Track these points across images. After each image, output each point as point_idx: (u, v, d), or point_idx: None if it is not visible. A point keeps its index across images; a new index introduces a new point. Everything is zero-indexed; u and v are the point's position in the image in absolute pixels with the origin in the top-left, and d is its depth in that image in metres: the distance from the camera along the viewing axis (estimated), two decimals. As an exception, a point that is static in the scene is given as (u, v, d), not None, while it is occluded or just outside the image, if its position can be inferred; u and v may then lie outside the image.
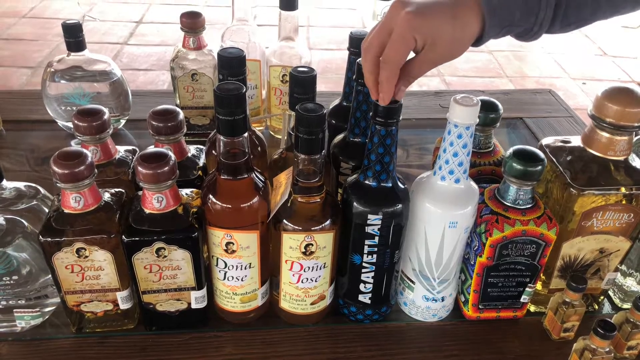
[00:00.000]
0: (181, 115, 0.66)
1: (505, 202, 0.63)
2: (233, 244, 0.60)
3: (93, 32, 2.73)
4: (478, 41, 0.55)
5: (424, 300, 0.68)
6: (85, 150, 0.57)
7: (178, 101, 0.96)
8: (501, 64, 2.72)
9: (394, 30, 0.52)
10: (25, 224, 0.62)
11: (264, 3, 2.21)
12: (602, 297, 0.73)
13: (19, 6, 3.01)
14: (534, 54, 2.85)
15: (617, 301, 0.74)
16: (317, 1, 3.26)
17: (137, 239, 0.58)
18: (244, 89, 0.54)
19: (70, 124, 0.96)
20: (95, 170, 0.57)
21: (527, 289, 0.67)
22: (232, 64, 0.66)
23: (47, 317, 0.67)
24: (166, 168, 0.56)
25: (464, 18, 0.52)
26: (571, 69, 2.73)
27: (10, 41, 2.65)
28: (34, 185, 0.66)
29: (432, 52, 0.53)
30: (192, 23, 0.90)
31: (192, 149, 0.70)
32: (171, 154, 0.57)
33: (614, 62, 2.81)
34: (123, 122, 1.01)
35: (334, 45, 2.78)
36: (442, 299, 0.68)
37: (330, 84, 2.34)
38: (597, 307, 0.73)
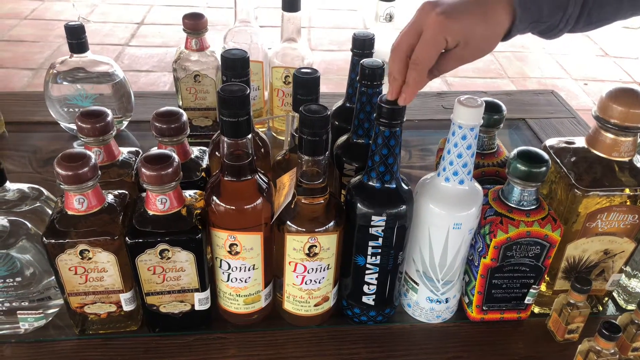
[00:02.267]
0: (184, 117, 0.66)
1: (510, 204, 0.62)
2: (237, 245, 0.60)
3: (95, 33, 2.73)
4: (505, 36, 0.55)
5: (428, 301, 0.68)
6: (88, 152, 0.57)
7: (180, 102, 0.96)
8: (502, 64, 2.72)
9: (425, 32, 0.52)
10: (29, 225, 0.62)
11: (266, 4, 2.21)
12: (606, 299, 0.73)
13: (20, 8, 3.01)
14: (535, 55, 2.85)
15: (621, 302, 0.74)
16: (319, 2, 3.26)
17: (140, 240, 0.58)
18: (248, 91, 0.54)
19: (72, 125, 0.97)
20: (99, 172, 0.57)
21: (531, 290, 0.67)
22: (236, 66, 0.66)
23: (50, 318, 0.67)
24: (170, 170, 0.55)
25: (495, 15, 0.52)
26: (572, 69, 2.72)
27: (11, 42, 2.65)
28: (37, 186, 0.66)
29: (463, 50, 0.53)
30: (194, 24, 0.90)
31: (195, 151, 0.70)
32: (175, 155, 0.57)
33: (615, 63, 2.81)
34: (125, 123, 1.01)
35: (335, 46, 2.78)
36: (446, 301, 0.68)
37: (331, 85, 2.34)
38: (601, 308, 0.73)
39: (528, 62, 2.78)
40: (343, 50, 2.70)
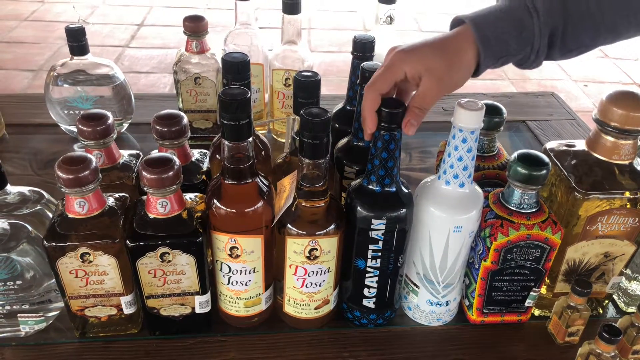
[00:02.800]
0: (185, 120, 0.66)
1: (510, 206, 0.62)
2: (237, 248, 0.60)
3: (95, 35, 2.73)
4: (476, 71, 0.57)
5: (429, 304, 0.68)
6: (89, 155, 0.57)
7: (181, 105, 0.96)
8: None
9: (385, 64, 0.57)
10: (30, 228, 0.62)
11: (266, 6, 2.22)
12: (606, 301, 0.73)
13: (21, 9, 3.01)
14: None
15: (622, 305, 0.74)
16: (319, 3, 3.26)
17: (141, 243, 0.58)
18: (249, 94, 0.54)
19: (73, 128, 0.97)
20: (100, 175, 0.57)
21: (531, 293, 0.67)
22: (237, 69, 0.66)
23: (50, 321, 0.67)
24: (170, 173, 0.55)
25: (456, 44, 0.56)
26: (572, 71, 2.73)
27: (11, 44, 2.66)
28: (38, 189, 0.66)
29: (429, 81, 0.55)
30: (195, 27, 0.90)
31: (196, 154, 0.70)
32: (175, 158, 0.57)
33: (615, 64, 2.81)
34: (126, 125, 1.01)
35: (335, 47, 2.78)
36: (447, 303, 0.68)
37: (331, 87, 2.34)
38: (601, 311, 0.73)
39: (528, 64, 2.78)
40: (343, 52, 2.70)
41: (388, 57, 0.57)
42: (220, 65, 0.70)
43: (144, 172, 0.55)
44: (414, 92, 0.58)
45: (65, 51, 0.92)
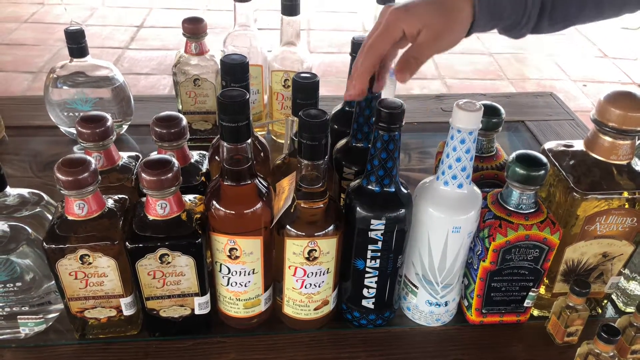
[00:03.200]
0: (184, 122, 0.66)
1: (508, 207, 0.63)
2: (236, 249, 0.60)
3: (94, 36, 2.73)
4: (469, 31, 0.57)
5: (428, 305, 0.68)
6: (88, 157, 0.57)
7: (180, 106, 0.96)
8: (502, 66, 2.72)
9: (382, 23, 0.56)
10: (29, 230, 0.62)
11: (265, 7, 2.22)
12: (605, 301, 0.73)
13: (20, 11, 3.02)
14: (534, 56, 2.86)
15: (620, 305, 0.74)
16: (318, 4, 3.27)
17: (140, 245, 0.58)
18: (247, 96, 0.54)
19: (72, 130, 0.97)
20: (99, 177, 0.57)
21: (530, 293, 0.67)
22: (235, 71, 0.66)
23: (50, 323, 0.67)
24: (170, 175, 0.56)
25: (453, 2, 0.56)
26: (572, 71, 2.73)
27: (11, 46, 2.66)
28: (37, 191, 0.67)
29: (428, 38, 0.55)
30: (194, 29, 0.90)
31: (195, 155, 0.70)
32: (174, 160, 0.57)
33: (614, 64, 2.81)
34: (125, 127, 1.01)
35: (334, 48, 2.78)
36: (446, 304, 0.68)
37: (331, 88, 2.34)
38: (600, 311, 0.73)
39: (527, 64, 2.78)
40: (342, 53, 2.70)
41: (383, 17, 0.56)
42: (219, 67, 0.71)
43: (143, 174, 0.55)
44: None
45: (65, 53, 0.92)
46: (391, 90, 1.01)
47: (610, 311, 0.74)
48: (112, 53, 2.62)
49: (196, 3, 3.18)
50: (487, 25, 0.58)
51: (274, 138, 1.03)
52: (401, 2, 0.57)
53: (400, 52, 0.59)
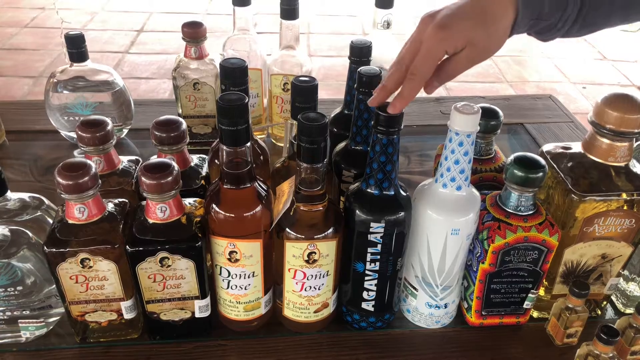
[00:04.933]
0: (184, 125, 0.66)
1: (507, 209, 0.63)
2: (236, 252, 0.60)
3: (94, 41, 2.74)
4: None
5: (427, 307, 0.68)
6: (89, 161, 0.57)
7: (180, 110, 0.96)
8: (501, 68, 2.73)
9: (423, 44, 0.53)
10: (30, 234, 0.63)
11: (265, 11, 2.22)
12: (604, 303, 0.73)
13: (21, 16, 3.03)
14: (533, 59, 2.86)
15: (619, 306, 0.74)
16: (317, 8, 3.28)
17: (141, 248, 0.58)
18: (247, 100, 0.55)
19: (73, 134, 0.97)
20: (99, 181, 0.57)
21: (529, 295, 0.67)
22: (235, 75, 0.67)
23: (51, 327, 0.67)
24: (170, 178, 0.56)
25: (496, 11, 0.53)
26: (571, 73, 2.73)
27: (11, 51, 2.67)
28: (38, 196, 0.67)
29: (471, 52, 0.54)
30: (193, 33, 0.91)
31: (194, 159, 0.71)
32: (174, 164, 0.58)
33: (614, 66, 2.82)
34: (125, 131, 1.01)
35: (334, 52, 2.79)
36: (445, 306, 0.68)
37: (330, 91, 2.35)
38: (599, 312, 0.73)
39: (526, 66, 2.79)
40: (342, 56, 2.71)
41: (423, 34, 0.53)
42: (219, 71, 0.71)
43: (143, 178, 0.56)
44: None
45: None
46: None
47: (609, 312, 0.74)
48: (112, 57, 2.62)
49: (196, 7, 3.19)
50: (524, 29, 0.56)
51: (274, 141, 1.03)
52: (440, 14, 0.53)
53: None
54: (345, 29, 3.06)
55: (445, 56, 0.55)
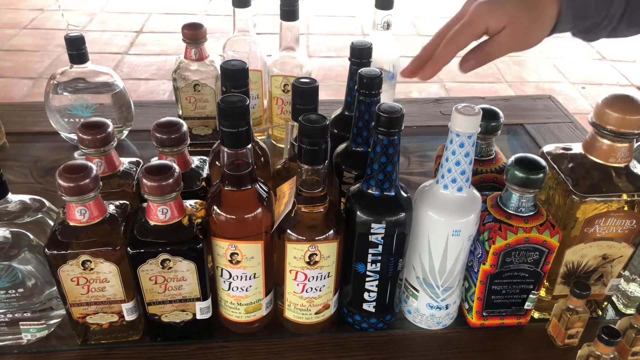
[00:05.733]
0: (185, 127, 0.66)
1: (508, 210, 0.63)
2: (237, 254, 0.60)
3: (94, 42, 2.74)
4: (552, 30, 0.55)
5: (428, 308, 0.68)
6: (90, 163, 0.57)
7: (180, 112, 0.96)
8: (500, 69, 2.73)
9: (466, 16, 0.54)
10: (31, 236, 0.62)
11: (265, 12, 2.23)
12: (605, 303, 0.73)
13: (20, 17, 3.03)
14: (533, 59, 2.86)
15: (620, 307, 0.74)
16: (317, 9, 3.28)
17: (142, 250, 0.58)
18: (247, 102, 0.55)
19: (73, 136, 0.97)
20: (100, 183, 0.57)
21: (530, 295, 0.67)
22: (235, 76, 0.67)
23: (52, 329, 0.67)
24: (171, 180, 0.56)
25: (541, 5, 0.53)
26: (570, 73, 2.73)
27: (11, 52, 2.66)
28: (38, 198, 0.67)
29: (510, 37, 0.54)
30: (193, 34, 0.91)
31: (195, 160, 0.71)
32: (175, 166, 0.58)
33: (613, 66, 2.82)
34: (126, 132, 1.01)
35: (333, 52, 2.79)
36: (446, 307, 0.68)
37: (330, 92, 2.35)
38: (600, 313, 0.73)
39: (526, 67, 2.79)
40: (342, 57, 2.71)
41: (467, 9, 0.54)
42: (219, 72, 0.71)
43: (144, 180, 0.56)
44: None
45: (65, 58, 0.92)
46: (390, 95, 1.02)
47: (610, 313, 0.74)
48: (111, 58, 2.62)
49: (196, 8, 3.19)
50: (569, 25, 0.56)
51: (274, 143, 1.03)
52: None
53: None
54: (344, 30, 3.06)
55: (485, 37, 0.55)
